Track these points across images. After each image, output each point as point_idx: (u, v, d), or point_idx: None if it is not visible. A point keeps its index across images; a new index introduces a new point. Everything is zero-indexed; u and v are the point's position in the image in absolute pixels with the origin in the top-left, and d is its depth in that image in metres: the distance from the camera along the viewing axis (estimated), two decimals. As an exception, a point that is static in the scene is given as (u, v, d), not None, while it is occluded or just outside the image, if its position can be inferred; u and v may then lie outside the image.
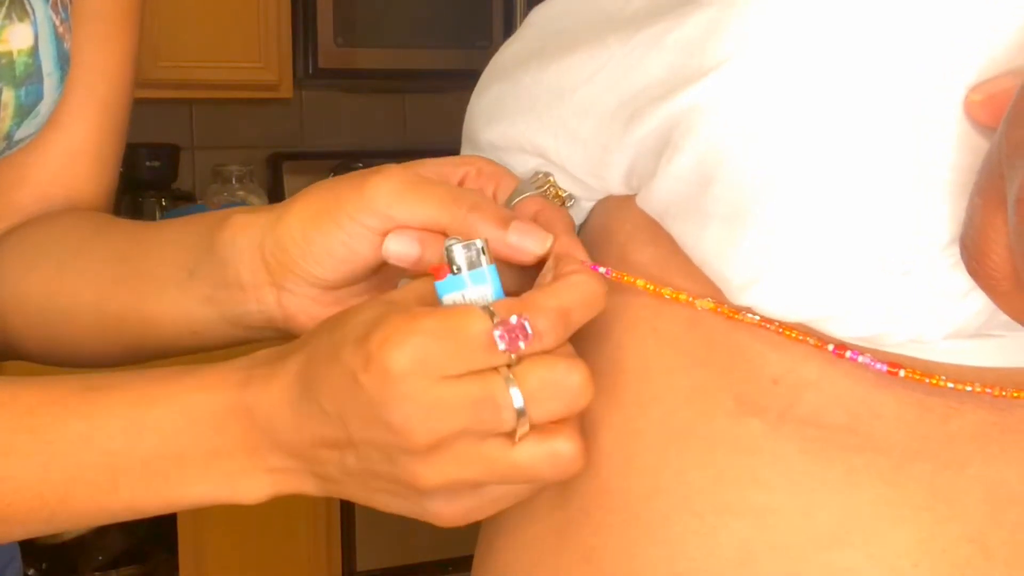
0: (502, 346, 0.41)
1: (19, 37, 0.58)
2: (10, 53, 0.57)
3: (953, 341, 0.41)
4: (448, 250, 0.44)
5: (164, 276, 0.56)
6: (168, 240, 0.58)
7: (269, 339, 0.55)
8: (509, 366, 0.41)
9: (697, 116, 0.41)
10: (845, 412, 0.43)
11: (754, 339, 0.44)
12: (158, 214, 2.69)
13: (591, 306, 0.43)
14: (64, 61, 0.62)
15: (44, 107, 0.63)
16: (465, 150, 0.54)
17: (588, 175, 0.48)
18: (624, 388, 0.46)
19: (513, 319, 0.41)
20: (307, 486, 0.46)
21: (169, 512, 0.49)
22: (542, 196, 0.49)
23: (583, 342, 0.48)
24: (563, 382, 0.41)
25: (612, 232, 0.49)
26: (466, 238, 0.45)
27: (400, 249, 0.47)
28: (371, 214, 0.47)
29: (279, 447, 0.45)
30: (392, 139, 3.02)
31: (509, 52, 0.53)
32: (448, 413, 0.41)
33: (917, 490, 0.42)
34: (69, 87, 0.65)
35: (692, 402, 0.45)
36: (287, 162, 2.90)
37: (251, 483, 0.46)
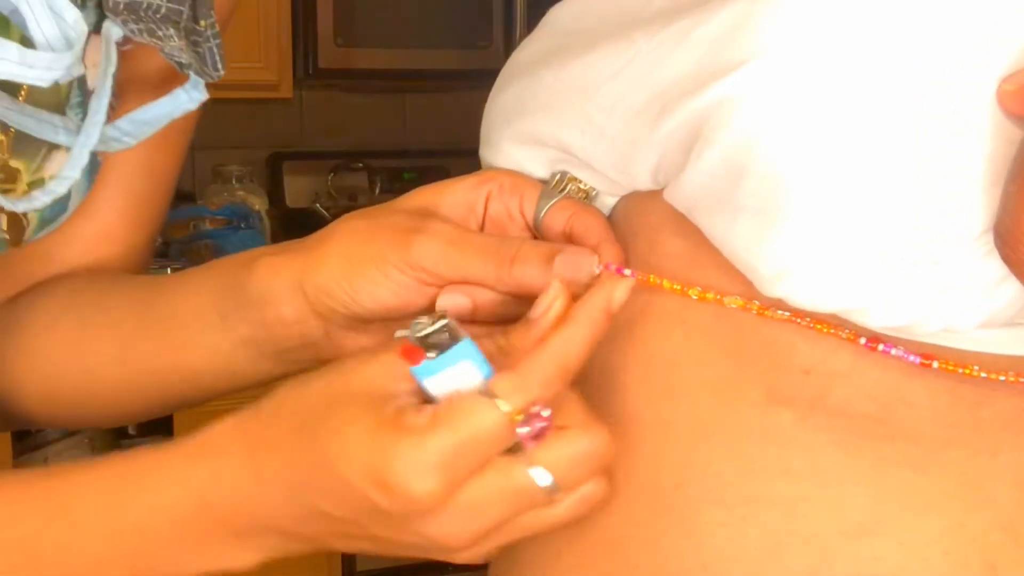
0: (529, 441, 0.41)
1: (55, 164, 0.56)
2: (43, 180, 0.56)
3: (986, 330, 0.41)
4: (415, 331, 0.43)
5: (193, 322, 0.56)
6: (191, 288, 0.57)
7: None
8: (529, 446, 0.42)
9: (728, 109, 0.41)
10: (875, 402, 0.43)
11: (784, 330, 0.44)
12: (158, 214, 2.68)
13: (583, 348, 0.43)
14: (95, 168, 0.60)
15: (67, 215, 0.60)
16: (483, 150, 0.54)
17: (614, 170, 0.48)
18: (653, 379, 0.46)
19: (534, 410, 0.41)
20: (303, 550, 0.47)
21: None
22: (569, 199, 0.49)
23: (612, 333, 0.48)
24: (589, 454, 0.42)
25: (638, 226, 0.49)
26: (515, 289, 0.46)
27: (453, 304, 0.48)
28: (418, 270, 0.48)
29: (266, 530, 0.45)
30: (392, 139, 3.02)
31: (527, 51, 0.53)
32: (485, 512, 0.42)
33: (947, 478, 0.42)
34: (103, 178, 0.62)
35: (721, 393, 0.45)
36: (287, 162, 2.89)
37: (241, 556, 0.46)
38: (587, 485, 0.43)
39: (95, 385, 0.60)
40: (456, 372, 0.42)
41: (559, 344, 0.42)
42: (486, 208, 0.51)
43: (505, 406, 0.40)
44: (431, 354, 0.42)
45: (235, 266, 0.55)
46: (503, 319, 0.48)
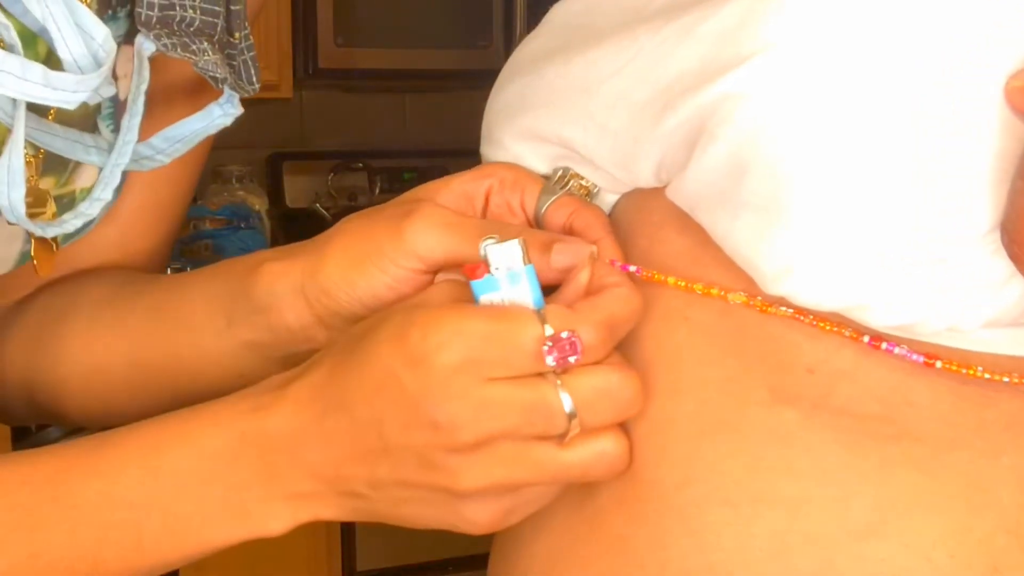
0: (551, 362, 0.41)
1: (85, 177, 0.56)
2: (72, 193, 0.55)
3: (990, 330, 0.41)
4: (484, 250, 0.44)
5: (200, 325, 0.56)
6: (198, 291, 0.57)
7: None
8: (557, 373, 0.42)
9: (733, 105, 0.41)
10: (880, 402, 0.43)
11: (788, 329, 0.44)
12: (158, 214, 2.68)
13: (633, 318, 0.44)
14: (122, 182, 0.59)
15: (93, 227, 0.60)
16: (484, 146, 0.54)
17: (616, 167, 0.48)
18: (657, 377, 0.46)
19: (564, 334, 0.41)
20: (330, 510, 0.46)
21: (195, 561, 0.48)
22: (570, 194, 0.49)
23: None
24: (616, 393, 0.42)
25: (640, 224, 0.49)
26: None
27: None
28: (413, 258, 0.48)
29: (301, 468, 0.45)
30: (392, 139, 3.01)
31: (529, 48, 0.53)
32: (498, 413, 0.41)
33: (952, 479, 0.42)
34: (129, 187, 0.62)
35: (725, 392, 0.45)
36: (287, 162, 2.89)
37: (271, 513, 0.46)
38: (605, 439, 0.43)
39: (105, 382, 0.60)
40: (513, 294, 0.43)
41: (609, 301, 0.43)
42: (487, 203, 0.51)
43: (550, 329, 0.41)
44: (493, 271, 0.43)
45: (240, 271, 0.55)
46: None
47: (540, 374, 0.42)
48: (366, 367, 0.43)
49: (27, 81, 0.45)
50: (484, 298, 0.43)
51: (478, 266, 0.43)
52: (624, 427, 0.44)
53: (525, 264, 0.43)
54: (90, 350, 0.60)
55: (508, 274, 0.43)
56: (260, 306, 0.53)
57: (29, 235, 0.55)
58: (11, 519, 0.46)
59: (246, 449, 0.45)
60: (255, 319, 0.53)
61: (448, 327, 0.41)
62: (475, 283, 0.43)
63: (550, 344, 0.41)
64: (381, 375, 0.42)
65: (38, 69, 0.45)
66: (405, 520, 0.45)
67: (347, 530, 2.43)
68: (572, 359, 0.41)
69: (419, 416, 0.41)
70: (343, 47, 2.70)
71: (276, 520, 0.46)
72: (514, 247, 0.43)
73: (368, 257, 0.49)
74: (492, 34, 2.78)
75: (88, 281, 0.63)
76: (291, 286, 0.51)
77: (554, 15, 0.53)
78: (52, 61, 0.47)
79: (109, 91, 0.51)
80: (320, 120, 2.98)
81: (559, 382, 0.41)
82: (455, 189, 0.51)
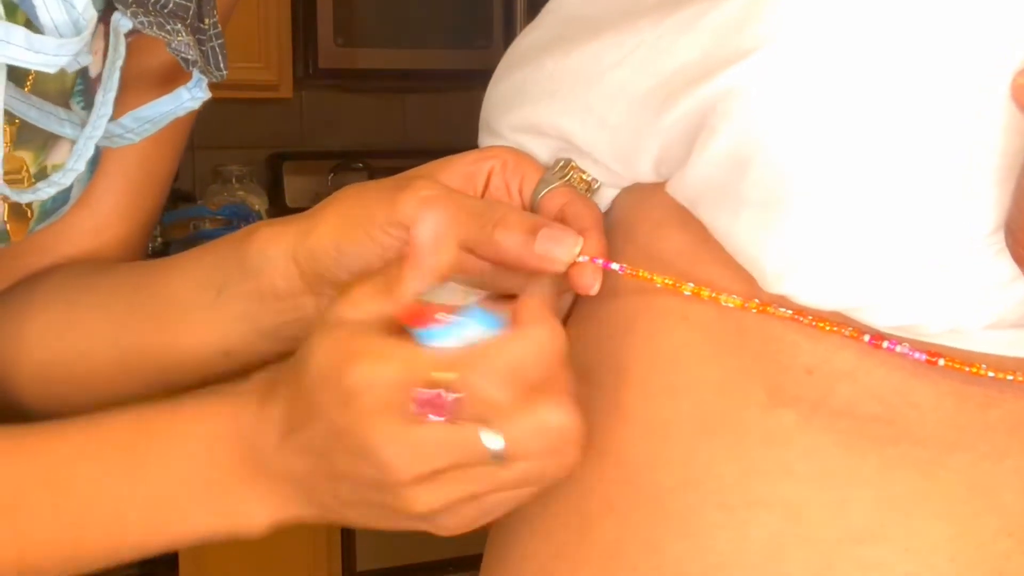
0: (417, 413, 0.40)
1: (57, 155, 0.56)
2: (45, 169, 0.55)
3: (993, 331, 0.40)
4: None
5: (188, 299, 0.56)
6: (188, 265, 0.57)
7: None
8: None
9: (734, 99, 0.40)
10: (880, 403, 0.42)
11: (787, 328, 0.43)
12: (157, 214, 2.68)
13: (546, 364, 0.41)
14: (95, 160, 0.59)
15: (68, 207, 0.60)
16: (483, 138, 0.53)
17: (615, 161, 0.47)
18: (653, 377, 0.45)
19: (434, 392, 0.40)
20: (307, 512, 0.46)
21: (174, 549, 0.49)
22: (568, 186, 0.48)
23: (611, 330, 0.47)
24: (548, 428, 0.40)
25: (639, 220, 0.48)
26: (496, 254, 0.45)
27: None
28: (402, 229, 0.47)
29: (274, 475, 0.45)
30: (392, 139, 3.01)
31: (529, 39, 0.52)
32: (430, 454, 0.41)
33: (954, 482, 0.42)
34: (100, 169, 0.62)
35: (723, 392, 0.44)
36: (287, 162, 2.89)
37: (251, 512, 0.46)
38: (544, 460, 0.41)
39: (88, 367, 0.59)
40: (460, 338, 0.41)
41: (515, 344, 0.41)
42: (488, 184, 0.51)
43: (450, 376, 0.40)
44: (439, 317, 0.42)
45: (236, 237, 0.55)
46: (480, 287, 0.48)
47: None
48: (313, 407, 0.43)
49: (10, 44, 0.45)
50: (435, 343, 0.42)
51: (417, 313, 0.42)
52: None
53: (469, 304, 0.42)
54: (68, 335, 0.59)
55: (455, 325, 0.41)
56: (251, 271, 0.53)
57: (2, 214, 0.55)
58: None
59: (225, 449, 0.46)
60: (245, 286, 0.53)
61: (369, 367, 0.41)
62: (420, 333, 0.41)
63: (416, 401, 0.40)
64: (323, 415, 0.42)
65: (20, 32, 0.46)
66: (381, 527, 0.46)
67: (347, 530, 2.44)
68: (438, 417, 0.40)
69: (359, 452, 0.42)
70: (343, 47, 2.70)
71: (255, 519, 0.46)
72: (454, 289, 0.43)
73: (360, 223, 0.48)
74: (492, 34, 2.78)
75: (62, 271, 0.63)
76: (283, 250, 0.51)
77: (554, 6, 0.52)
78: (31, 29, 0.47)
79: (87, 59, 0.51)
80: (320, 120, 2.98)
81: (490, 434, 0.40)
82: (457, 169, 0.51)
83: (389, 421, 0.40)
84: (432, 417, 0.40)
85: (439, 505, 0.42)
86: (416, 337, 0.42)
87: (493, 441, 0.40)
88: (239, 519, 0.46)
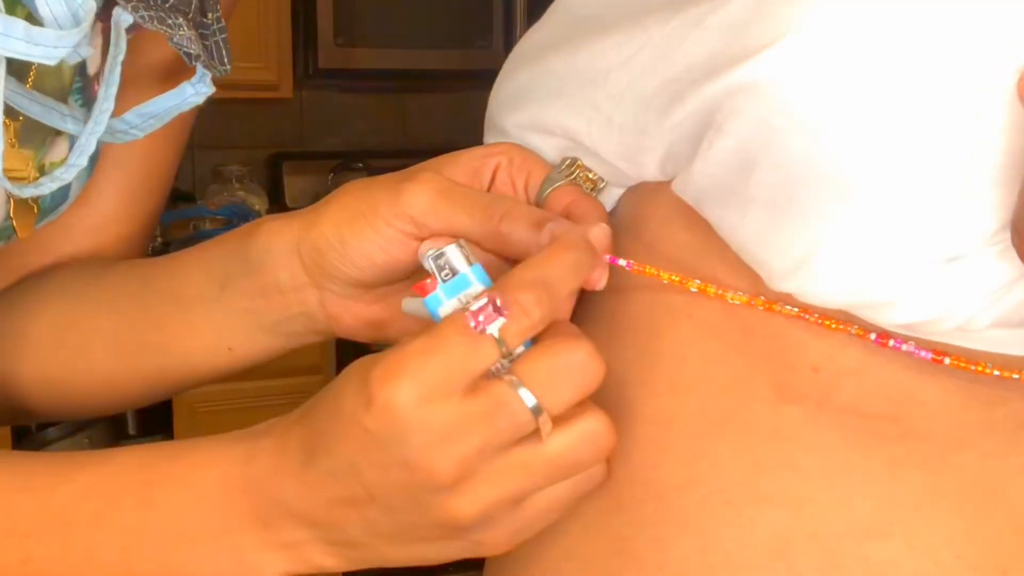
0: (478, 328, 0.39)
1: (56, 152, 0.56)
2: (43, 167, 0.55)
3: (998, 330, 0.41)
4: (426, 260, 0.43)
5: (192, 295, 0.56)
6: (192, 261, 0.57)
7: (308, 345, 0.55)
8: (511, 362, 0.40)
9: (742, 98, 0.40)
10: (887, 400, 0.42)
11: (793, 326, 0.43)
12: (157, 214, 2.68)
13: (576, 269, 0.42)
14: (95, 156, 0.59)
15: (68, 204, 0.60)
16: (489, 136, 0.53)
17: (621, 160, 0.47)
18: (660, 375, 0.46)
19: (484, 300, 0.39)
20: (327, 558, 0.44)
21: None
22: (574, 184, 0.48)
23: (617, 328, 0.47)
24: (568, 364, 0.40)
25: (645, 218, 0.48)
26: (501, 247, 0.45)
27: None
28: (406, 220, 0.47)
29: (291, 517, 0.44)
30: (392, 139, 3.02)
31: (536, 38, 0.52)
32: (462, 432, 0.39)
33: (960, 479, 0.42)
34: (101, 167, 0.62)
35: (729, 390, 0.44)
36: (287, 162, 2.89)
37: (264, 562, 0.45)
38: (584, 420, 0.41)
39: (90, 365, 0.59)
40: (466, 298, 0.41)
41: (541, 260, 0.41)
42: (493, 181, 0.50)
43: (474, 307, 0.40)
44: (443, 277, 0.42)
45: (241, 232, 0.54)
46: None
47: (496, 378, 0.40)
48: (335, 419, 0.42)
49: (10, 37, 0.45)
50: (440, 310, 0.42)
51: (425, 284, 0.42)
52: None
53: (470, 264, 0.42)
54: (71, 331, 0.59)
55: (454, 282, 0.42)
56: (254, 265, 0.52)
57: (8, 210, 0.55)
58: (6, 523, 0.46)
59: (237, 496, 0.44)
60: (248, 281, 0.53)
61: (394, 362, 0.40)
62: (425, 301, 0.42)
63: (471, 316, 0.39)
64: (348, 424, 0.41)
65: (20, 25, 0.46)
66: (419, 560, 0.44)
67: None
68: (499, 321, 0.39)
69: (391, 458, 0.40)
70: (343, 47, 2.70)
71: (268, 568, 0.45)
72: (453, 251, 0.42)
73: (363, 215, 0.48)
74: (492, 34, 2.78)
75: (64, 269, 0.63)
76: (287, 243, 0.51)
77: (561, 5, 0.52)
78: (31, 22, 0.47)
79: (87, 51, 0.51)
80: (320, 120, 2.98)
81: (514, 379, 0.40)
82: (462, 163, 0.50)
83: (420, 413, 0.39)
84: (490, 328, 0.39)
85: (478, 509, 0.41)
86: (426, 308, 0.42)
87: (526, 397, 0.39)
88: (251, 571, 0.45)
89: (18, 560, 0.46)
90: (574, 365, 0.40)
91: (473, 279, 0.42)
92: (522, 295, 0.40)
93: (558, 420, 0.40)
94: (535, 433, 0.40)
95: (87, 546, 0.46)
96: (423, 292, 0.42)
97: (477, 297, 0.40)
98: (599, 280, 0.45)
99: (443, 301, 0.42)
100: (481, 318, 0.39)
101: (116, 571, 0.46)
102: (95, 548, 0.46)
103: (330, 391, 0.43)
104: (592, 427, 0.41)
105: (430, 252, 0.43)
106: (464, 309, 0.40)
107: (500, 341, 0.40)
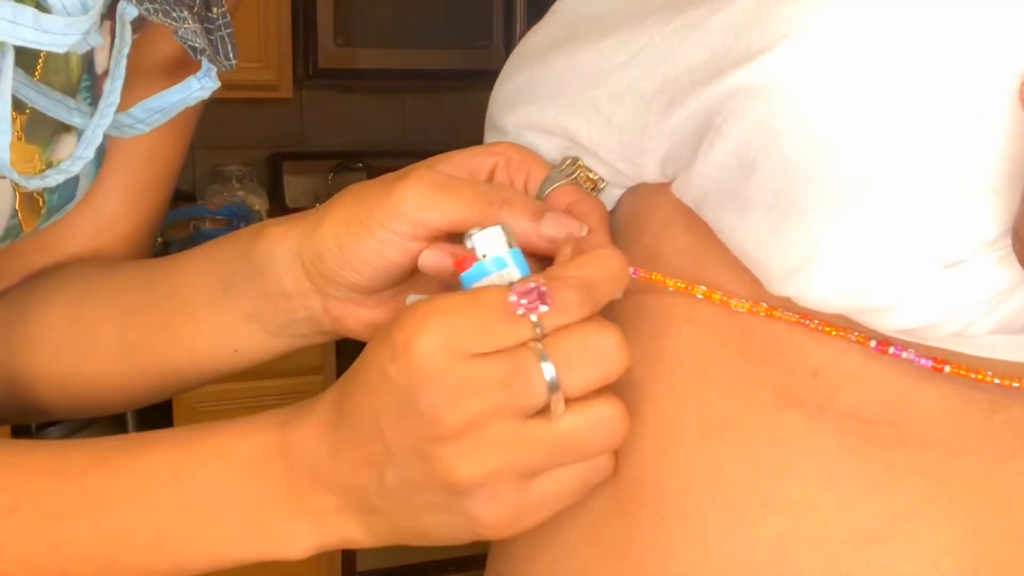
0: (520, 311, 0.40)
1: (63, 149, 0.56)
2: (48, 164, 0.55)
3: (998, 336, 0.41)
4: (469, 239, 0.43)
5: (196, 296, 0.56)
6: (196, 262, 0.57)
7: (314, 345, 0.55)
8: (539, 340, 0.40)
9: (742, 100, 0.40)
10: (887, 406, 0.42)
11: (793, 331, 0.43)
12: (157, 214, 2.68)
13: (615, 280, 0.42)
14: (101, 153, 0.59)
15: (75, 202, 0.60)
16: (489, 136, 0.53)
17: (621, 161, 0.47)
18: (660, 378, 0.46)
19: (531, 284, 0.40)
20: (352, 529, 0.45)
21: (214, 571, 0.48)
22: (575, 184, 0.48)
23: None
24: (595, 347, 0.40)
25: (645, 220, 0.48)
26: None
27: (435, 262, 0.47)
28: (401, 221, 0.47)
29: (320, 484, 0.44)
30: (392, 139, 3.01)
31: (537, 38, 0.52)
32: (477, 390, 0.40)
33: (960, 485, 0.42)
34: (106, 166, 0.62)
35: (730, 393, 0.44)
36: (287, 162, 2.89)
37: (294, 531, 0.45)
38: (598, 404, 0.41)
39: (95, 364, 0.59)
40: (498, 279, 0.42)
41: (587, 262, 0.42)
42: (491, 179, 0.50)
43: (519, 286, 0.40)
44: (482, 256, 0.43)
45: (244, 236, 0.54)
46: None
47: (522, 344, 0.40)
48: (363, 371, 0.42)
49: (19, 25, 0.45)
50: (474, 287, 0.43)
51: (465, 258, 0.43)
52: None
53: (510, 248, 0.43)
54: (76, 329, 0.59)
55: (494, 259, 0.43)
56: (258, 270, 0.52)
57: (14, 204, 0.55)
58: (36, 506, 0.46)
59: (269, 464, 0.45)
60: (252, 285, 0.53)
61: (424, 313, 0.40)
62: (464, 275, 0.43)
63: (517, 295, 0.40)
64: (374, 374, 0.41)
65: (29, 12, 0.46)
66: (424, 533, 0.44)
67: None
68: (542, 308, 0.40)
69: (408, 406, 0.40)
70: (343, 47, 2.70)
71: (298, 539, 0.45)
72: (497, 233, 0.43)
73: (358, 219, 0.48)
74: (492, 34, 2.78)
75: (69, 269, 0.63)
76: (289, 250, 0.51)
77: (562, 5, 0.52)
78: (40, 11, 0.47)
79: (96, 40, 0.51)
80: (320, 120, 2.98)
81: (540, 348, 0.40)
82: (458, 162, 0.50)
83: (440, 361, 0.39)
84: (531, 313, 0.40)
85: (480, 471, 0.40)
86: (462, 283, 0.43)
87: (547, 369, 0.40)
88: (282, 540, 0.45)
89: (47, 544, 0.46)
90: (601, 349, 0.40)
91: (511, 262, 0.43)
92: (567, 292, 0.40)
93: (574, 401, 0.41)
94: (547, 410, 0.40)
95: (118, 526, 0.46)
96: (461, 268, 0.43)
97: (523, 281, 0.40)
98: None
99: (480, 278, 0.43)
100: (524, 301, 0.40)
101: (147, 549, 0.46)
102: (126, 527, 0.46)
103: (366, 349, 0.43)
104: (607, 412, 0.41)
105: (473, 231, 0.43)
106: (504, 288, 0.40)
107: (538, 325, 0.40)
